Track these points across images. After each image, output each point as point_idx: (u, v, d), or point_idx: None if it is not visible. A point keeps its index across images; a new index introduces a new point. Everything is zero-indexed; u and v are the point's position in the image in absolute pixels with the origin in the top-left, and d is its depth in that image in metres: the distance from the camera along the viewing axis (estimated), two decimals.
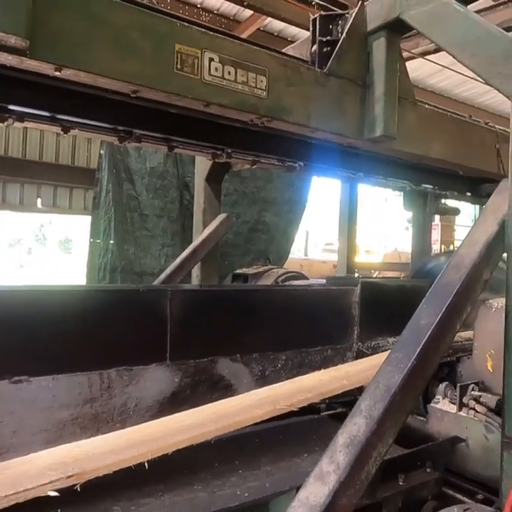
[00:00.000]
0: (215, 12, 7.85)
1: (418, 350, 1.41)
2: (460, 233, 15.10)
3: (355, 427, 1.31)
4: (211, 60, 1.78)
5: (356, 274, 5.29)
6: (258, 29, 7.94)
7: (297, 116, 2.03)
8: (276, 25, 8.16)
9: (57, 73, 1.54)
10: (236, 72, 1.83)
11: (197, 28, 1.76)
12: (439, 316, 1.47)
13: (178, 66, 1.71)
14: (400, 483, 1.82)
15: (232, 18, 8.05)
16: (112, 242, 4.86)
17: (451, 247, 12.82)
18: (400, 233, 16.90)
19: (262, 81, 1.90)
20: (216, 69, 1.79)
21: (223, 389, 2.29)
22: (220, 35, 1.82)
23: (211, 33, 1.80)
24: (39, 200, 10.86)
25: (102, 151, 4.88)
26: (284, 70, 1.98)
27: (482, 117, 3.05)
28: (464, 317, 1.54)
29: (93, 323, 1.97)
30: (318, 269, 9.22)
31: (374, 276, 9.26)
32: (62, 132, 2.24)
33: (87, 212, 10.11)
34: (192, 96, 1.76)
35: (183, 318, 2.22)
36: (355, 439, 1.29)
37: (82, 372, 1.89)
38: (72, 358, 1.90)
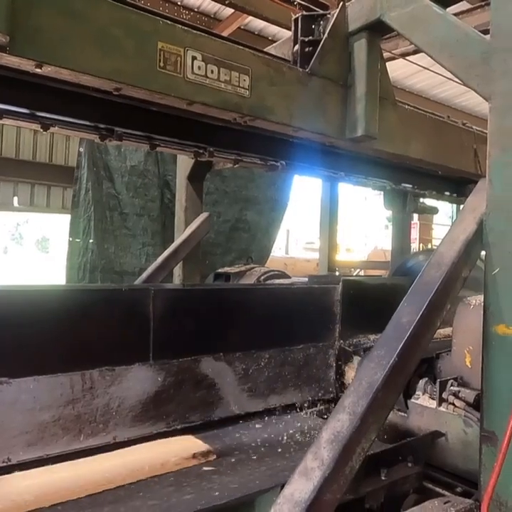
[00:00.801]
0: (196, 10, 7.82)
1: (400, 347, 1.43)
2: (438, 232, 15.36)
3: (339, 423, 1.33)
4: (194, 58, 1.77)
5: (337, 273, 5.34)
6: (239, 28, 7.94)
7: (280, 115, 2.05)
8: (256, 24, 8.17)
9: (37, 70, 1.52)
10: (219, 71, 1.83)
11: (180, 26, 1.76)
12: (420, 313, 1.49)
13: (161, 64, 1.70)
14: (383, 478, 1.85)
15: (212, 16, 8.02)
16: (91, 241, 4.80)
17: (430, 246, 13.03)
18: (380, 232, 17.10)
19: (244, 80, 1.91)
20: (199, 68, 1.78)
21: (206, 388, 2.30)
22: (203, 33, 1.82)
23: (194, 31, 1.79)
24: (15, 199, 10.65)
25: (81, 149, 4.82)
26: (267, 70, 1.99)
27: (459, 118, 3.11)
28: (444, 314, 1.58)
29: (75, 323, 1.95)
30: (302, 267, 9.27)
31: (355, 274, 9.35)
32: (41, 130, 2.20)
33: (66, 211, 9.97)
34: (175, 94, 1.76)
35: (165, 317, 2.21)
36: (339, 435, 1.30)
37: (64, 373, 1.87)
38: (54, 358, 1.87)
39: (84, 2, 1.56)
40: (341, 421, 1.33)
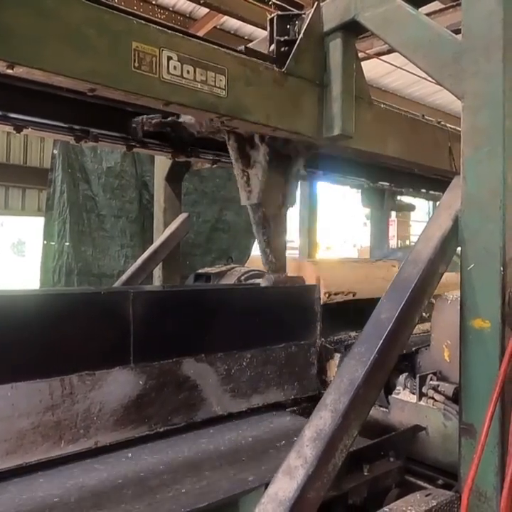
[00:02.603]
0: (171, 9, 7.77)
1: (379, 343, 1.45)
2: (416, 228, 15.58)
3: (321, 420, 1.34)
4: (169, 58, 1.76)
5: None
6: (214, 27, 7.91)
7: (257, 115, 2.04)
8: (232, 23, 8.16)
9: (9, 71, 1.48)
10: (195, 71, 1.82)
11: (155, 26, 1.74)
12: (399, 310, 1.52)
13: (136, 64, 1.68)
14: (365, 474, 1.87)
15: (187, 15, 7.98)
16: (67, 243, 4.72)
17: (408, 242, 13.22)
18: (359, 229, 17.25)
19: (221, 80, 1.90)
20: (175, 68, 1.77)
21: (189, 389, 2.29)
22: (178, 33, 1.81)
23: (169, 31, 1.78)
24: None
25: (55, 151, 4.73)
26: (243, 69, 1.98)
27: (433, 116, 3.16)
28: (422, 310, 1.60)
29: (53, 327, 1.92)
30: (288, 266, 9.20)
31: None
32: (14, 131, 2.17)
33: (41, 214, 9.76)
34: (150, 95, 1.74)
35: (146, 319, 2.19)
36: (321, 433, 1.31)
37: (43, 379, 1.84)
38: (32, 364, 1.84)
39: (56, 1, 1.52)
40: (323, 418, 1.34)
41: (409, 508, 1.54)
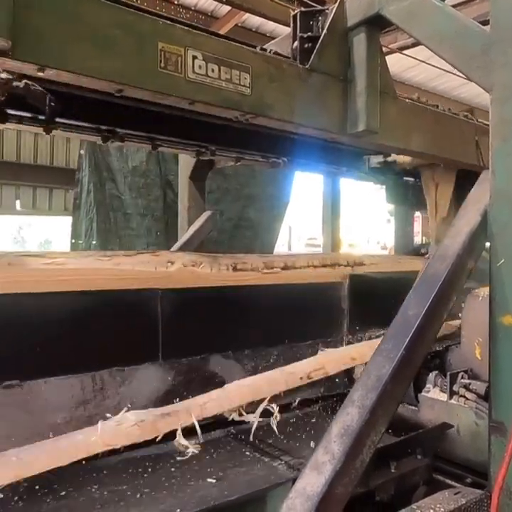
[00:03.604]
0: (193, 8, 7.81)
1: (407, 340, 1.44)
2: None
3: (349, 416, 1.34)
4: (194, 57, 1.78)
5: None
6: (236, 25, 7.92)
7: (281, 112, 2.05)
8: (253, 21, 8.15)
9: (40, 73, 1.52)
10: (219, 70, 1.83)
11: (180, 26, 1.76)
12: (427, 306, 1.50)
13: (162, 64, 1.70)
14: (392, 471, 1.86)
15: (209, 14, 8.01)
16: (94, 242, 4.81)
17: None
18: (382, 226, 17.06)
19: (245, 78, 1.91)
20: (200, 67, 1.78)
21: (216, 385, 2.30)
22: (202, 33, 1.82)
23: (194, 31, 1.79)
24: (18, 202, 10.68)
25: (82, 151, 4.83)
26: (267, 67, 1.99)
27: (458, 109, 3.10)
28: (451, 306, 1.58)
29: (84, 324, 1.97)
30: None
31: None
32: (44, 133, 2.22)
33: (68, 213, 9.97)
34: (176, 94, 1.76)
35: (174, 316, 2.22)
36: (348, 429, 1.31)
37: (75, 375, 1.89)
38: (64, 360, 1.89)
39: (84, 5, 1.56)
40: (351, 415, 1.34)
41: (438, 505, 1.53)
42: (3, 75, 1.57)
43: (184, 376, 2.22)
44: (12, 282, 1.82)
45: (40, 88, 1.73)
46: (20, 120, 2.10)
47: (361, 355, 2.50)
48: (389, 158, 3.45)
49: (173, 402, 2.04)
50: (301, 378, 2.30)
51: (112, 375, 2.00)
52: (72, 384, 1.89)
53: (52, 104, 1.87)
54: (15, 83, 1.62)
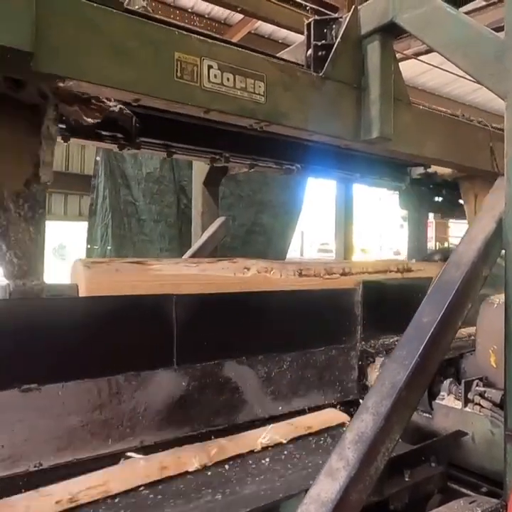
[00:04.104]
0: (207, 16, 7.90)
1: (421, 347, 1.44)
2: (454, 230, 15.17)
3: (363, 423, 1.34)
4: (210, 67, 1.80)
5: None
6: (249, 32, 7.99)
7: (295, 120, 2.06)
8: (266, 28, 8.21)
9: (60, 84, 1.56)
10: (235, 79, 1.86)
11: (195, 36, 1.79)
12: (441, 313, 1.50)
13: (178, 74, 1.73)
14: (406, 479, 1.85)
15: (222, 22, 8.10)
16: (109, 247, 4.86)
17: (446, 244, 12.89)
18: (395, 231, 16.97)
19: (260, 86, 1.93)
20: (215, 76, 1.81)
21: (230, 391, 2.32)
22: (218, 42, 1.85)
23: (210, 40, 1.82)
24: None
25: (97, 158, 4.90)
26: (281, 75, 2.01)
27: (472, 115, 3.09)
28: (465, 314, 1.58)
29: (100, 330, 1.99)
30: None
31: None
32: (62, 141, 2.26)
33: (82, 219, 10.10)
34: (192, 103, 1.79)
35: (188, 322, 2.24)
36: (363, 436, 1.32)
37: (91, 379, 1.91)
38: (80, 365, 1.92)
39: (102, 17, 1.59)
40: (365, 421, 1.34)
41: None
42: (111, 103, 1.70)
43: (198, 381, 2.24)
44: (130, 285, 2.15)
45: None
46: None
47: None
48: (429, 170, 3.57)
49: None
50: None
51: (127, 379, 2.02)
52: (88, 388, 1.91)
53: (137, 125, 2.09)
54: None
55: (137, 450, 1.98)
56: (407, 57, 4.37)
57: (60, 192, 10.92)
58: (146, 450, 1.98)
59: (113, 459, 1.89)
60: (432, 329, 1.47)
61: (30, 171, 1.69)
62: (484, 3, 4.26)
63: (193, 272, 2.36)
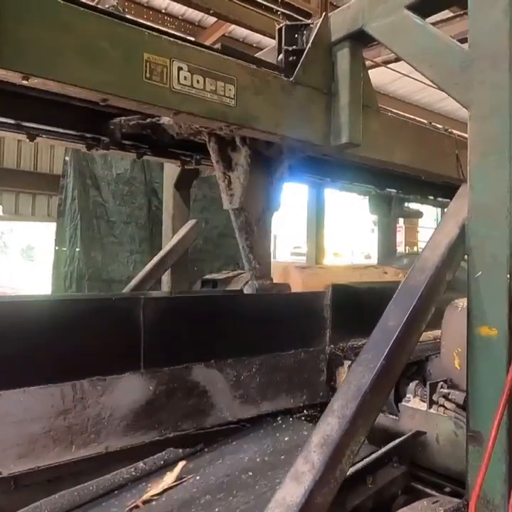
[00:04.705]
0: (180, 18, 7.85)
1: (387, 350, 1.46)
2: (423, 235, 15.51)
3: (329, 426, 1.35)
4: (180, 69, 1.79)
5: None
6: (223, 35, 7.98)
7: (265, 124, 2.07)
8: (241, 31, 8.22)
9: (24, 82, 1.52)
10: (205, 81, 1.85)
11: (166, 37, 1.78)
12: (406, 316, 1.53)
13: (147, 75, 1.72)
14: (369, 486, 1.82)
15: (196, 24, 8.06)
16: (78, 249, 4.78)
17: (415, 249, 13.17)
18: (366, 236, 17.22)
19: (230, 89, 1.93)
20: (185, 78, 1.80)
21: (198, 395, 2.30)
22: (188, 44, 1.85)
23: (180, 42, 1.81)
24: (0, 208, 10.54)
25: (67, 158, 4.80)
26: (252, 79, 2.01)
27: (440, 122, 3.17)
28: (429, 317, 1.61)
29: (65, 333, 1.95)
30: None
31: None
32: (27, 140, 2.21)
33: (51, 219, 9.87)
34: (161, 104, 1.77)
35: (156, 325, 2.21)
36: (328, 439, 1.32)
37: (55, 384, 1.87)
38: (44, 369, 1.87)
39: (71, 15, 1.57)
40: (331, 424, 1.35)
41: None
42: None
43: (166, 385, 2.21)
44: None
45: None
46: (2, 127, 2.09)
47: None
48: (148, 121, 2.59)
49: None
50: None
51: (92, 384, 1.98)
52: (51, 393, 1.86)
53: None
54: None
55: (102, 456, 1.94)
56: (376, 65, 4.45)
57: (27, 192, 10.64)
58: (111, 456, 1.94)
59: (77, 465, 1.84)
60: (397, 332, 1.50)
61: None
62: (451, 14, 4.40)
63: (356, 274, 3.27)
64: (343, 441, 1.31)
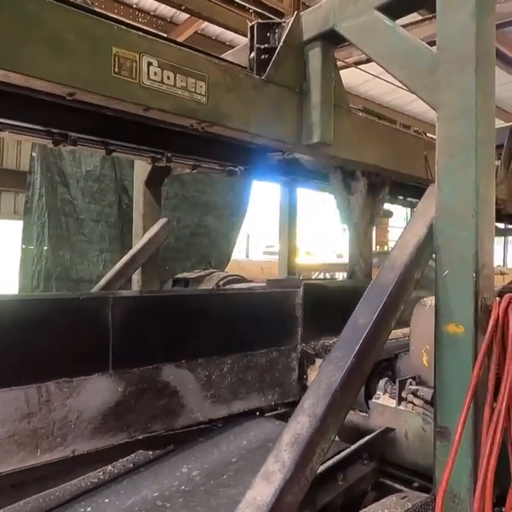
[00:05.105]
0: (152, 13, 7.75)
1: (357, 348, 1.48)
2: (393, 234, 15.79)
3: (299, 425, 1.35)
4: (150, 64, 1.76)
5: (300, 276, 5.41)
6: (196, 32, 7.92)
7: (237, 121, 2.06)
8: (213, 29, 8.18)
9: None
10: (175, 77, 1.83)
11: (135, 31, 1.74)
12: (376, 315, 1.54)
13: (116, 69, 1.68)
14: (340, 483, 1.84)
15: (168, 20, 7.97)
16: (45, 248, 4.65)
17: (386, 248, 13.39)
18: (338, 235, 17.40)
19: (201, 86, 1.91)
20: (155, 73, 1.77)
21: (169, 396, 2.28)
22: (159, 39, 1.81)
23: (150, 37, 1.78)
24: None
25: (34, 154, 4.66)
26: (224, 76, 2.00)
27: (410, 124, 3.23)
28: (398, 315, 1.63)
29: (30, 333, 1.90)
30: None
31: (314, 277, 9.43)
32: None
33: (18, 217, 9.59)
34: (130, 100, 1.74)
35: (125, 325, 2.18)
36: (299, 438, 1.32)
37: (19, 387, 1.81)
38: (8, 371, 1.81)
39: (36, 5, 1.52)
40: (301, 423, 1.35)
41: (386, 510, 1.56)
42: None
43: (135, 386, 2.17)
44: None
45: None
46: None
47: None
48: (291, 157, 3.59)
49: None
50: None
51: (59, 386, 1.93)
52: (15, 396, 1.80)
53: None
54: None
55: (69, 460, 1.89)
56: (347, 66, 4.49)
57: None
58: (78, 459, 1.90)
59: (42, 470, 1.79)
60: (367, 330, 1.51)
61: None
62: (420, 17, 4.47)
63: None
64: (313, 439, 1.32)
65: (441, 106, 1.75)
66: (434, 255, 1.76)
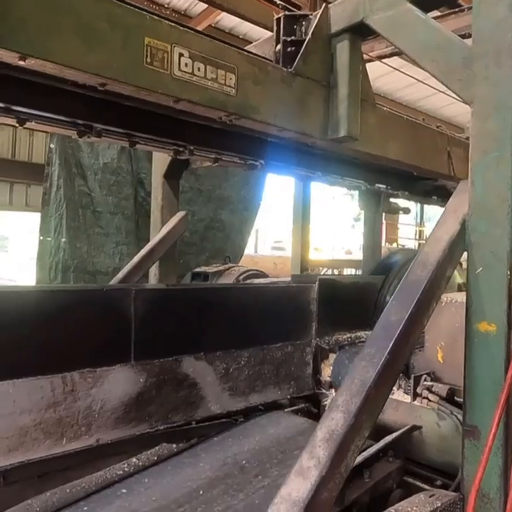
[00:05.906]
0: (166, 6, 7.73)
1: (390, 345, 1.46)
2: (403, 231, 15.73)
3: (333, 421, 1.34)
4: (181, 55, 1.75)
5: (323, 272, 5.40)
6: (210, 25, 7.89)
7: (264, 114, 2.04)
8: (227, 22, 8.15)
9: (21, 62, 1.46)
10: (206, 69, 1.81)
11: (167, 22, 1.73)
12: (409, 311, 1.52)
13: (148, 60, 1.66)
14: (366, 480, 1.84)
15: (183, 13, 7.95)
16: (63, 240, 4.66)
17: (395, 245, 13.34)
18: (347, 231, 17.35)
19: (231, 78, 1.89)
20: (186, 64, 1.76)
21: (188, 388, 2.28)
22: (189, 30, 1.80)
23: (181, 27, 1.76)
24: None
25: (52, 145, 4.66)
26: (253, 69, 1.98)
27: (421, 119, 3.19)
28: (431, 312, 1.61)
29: (55, 325, 1.90)
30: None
31: (322, 273, 9.39)
32: (17, 125, 2.13)
33: (30, 209, 9.63)
34: (162, 91, 1.72)
35: (147, 317, 2.18)
36: (333, 434, 1.31)
37: (44, 376, 1.82)
38: (33, 361, 1.82)
39: None
40: (335, 419, 1.34)
41: (415, 509, 1.55)
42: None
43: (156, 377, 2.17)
44: None
45: None
46: None
47: None
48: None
49: None
50: None
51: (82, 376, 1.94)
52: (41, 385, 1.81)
53: None
54: None
55: (93, 449, 1.90)
56: (370, 60, 4.44)
57: (4, 180, 10.36)
58: (102, 449, 1.91)
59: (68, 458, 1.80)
60: (401, 327, 1.49)
61: None
62: (446, 11, 4.41)
63: None
64: (348, 436, 1.30)
65: (476, 100, 1.72)
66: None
